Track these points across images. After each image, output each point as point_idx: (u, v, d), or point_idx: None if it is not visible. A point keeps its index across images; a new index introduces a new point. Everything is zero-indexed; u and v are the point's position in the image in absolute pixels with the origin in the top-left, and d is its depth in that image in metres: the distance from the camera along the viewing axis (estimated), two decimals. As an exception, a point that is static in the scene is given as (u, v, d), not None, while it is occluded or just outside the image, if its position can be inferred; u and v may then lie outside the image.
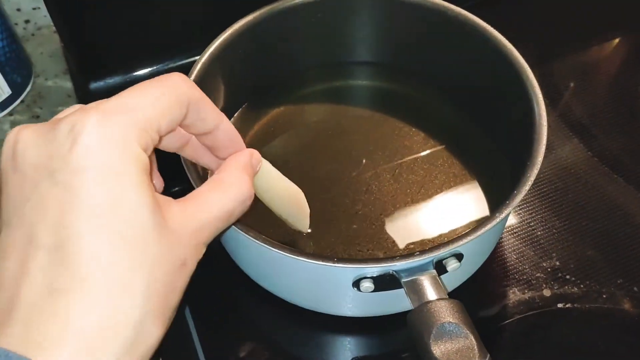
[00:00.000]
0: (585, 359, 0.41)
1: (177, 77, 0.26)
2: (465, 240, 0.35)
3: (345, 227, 0.44)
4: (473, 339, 0.31)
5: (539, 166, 0.38)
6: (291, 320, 0.44)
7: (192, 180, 0.38)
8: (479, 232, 0.36)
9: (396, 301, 0.40)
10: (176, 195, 0.26)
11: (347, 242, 0.43)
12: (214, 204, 0.27)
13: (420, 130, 0.48)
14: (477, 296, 0.44)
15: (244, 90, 0.49)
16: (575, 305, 0.43)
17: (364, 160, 0.47)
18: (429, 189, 0.46)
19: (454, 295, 0.42)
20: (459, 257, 0.37)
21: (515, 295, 0.44)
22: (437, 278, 0.35)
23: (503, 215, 0.36)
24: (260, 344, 0.43)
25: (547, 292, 0.44)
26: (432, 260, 0.36)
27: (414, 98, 0.50)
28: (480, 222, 0.36)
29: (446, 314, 0.33)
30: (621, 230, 0.47)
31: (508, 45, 0.43)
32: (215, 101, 0.46)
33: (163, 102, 0.25)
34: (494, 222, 0.36)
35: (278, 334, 0.44)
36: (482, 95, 0.47)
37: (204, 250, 0.26)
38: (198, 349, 0.43)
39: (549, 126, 0.53)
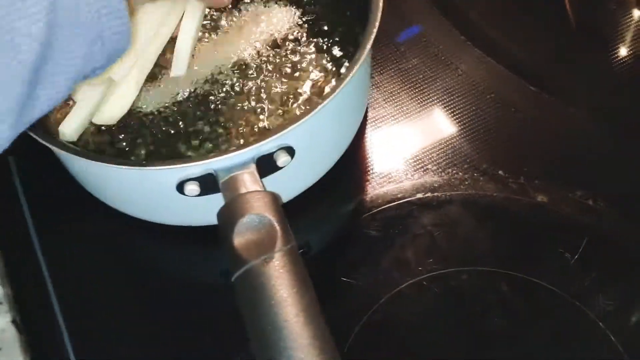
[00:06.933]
0: (444, 245, 0.40)
1: None
2: (287, 130, 0.33)
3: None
4: (278, 228, 0.30)
5: (373, 39, 0.35)
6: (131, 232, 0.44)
7: None
8: (301, 121, 0.34)
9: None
10: None
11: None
12: None
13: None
14: (337, 191, 0.43)
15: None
16: (435, 194, 0.42)
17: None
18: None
19: (312, 192, 0.41)
20: (288, 150, 0.35)
21: (374, 189, 0.42)
22: (255, 174, 0.33)
23: (325, 102, 0.34)
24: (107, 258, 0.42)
25: (406, 184, 0.42)
26: (253, 156, 0.34)
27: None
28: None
29: (253, 205, 0.31)
30: (492, 113, 0.45)
31: None
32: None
33: None
34: (317, 109, 0.34)
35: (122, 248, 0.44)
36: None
37: None
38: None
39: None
